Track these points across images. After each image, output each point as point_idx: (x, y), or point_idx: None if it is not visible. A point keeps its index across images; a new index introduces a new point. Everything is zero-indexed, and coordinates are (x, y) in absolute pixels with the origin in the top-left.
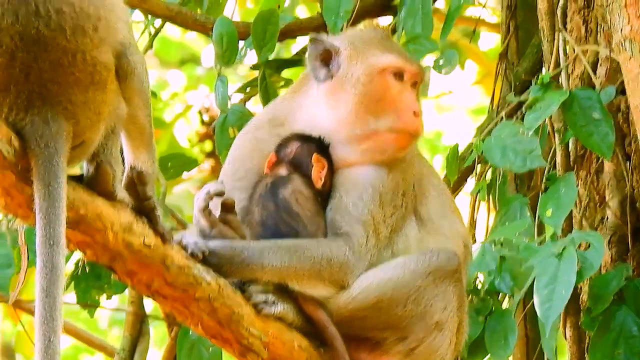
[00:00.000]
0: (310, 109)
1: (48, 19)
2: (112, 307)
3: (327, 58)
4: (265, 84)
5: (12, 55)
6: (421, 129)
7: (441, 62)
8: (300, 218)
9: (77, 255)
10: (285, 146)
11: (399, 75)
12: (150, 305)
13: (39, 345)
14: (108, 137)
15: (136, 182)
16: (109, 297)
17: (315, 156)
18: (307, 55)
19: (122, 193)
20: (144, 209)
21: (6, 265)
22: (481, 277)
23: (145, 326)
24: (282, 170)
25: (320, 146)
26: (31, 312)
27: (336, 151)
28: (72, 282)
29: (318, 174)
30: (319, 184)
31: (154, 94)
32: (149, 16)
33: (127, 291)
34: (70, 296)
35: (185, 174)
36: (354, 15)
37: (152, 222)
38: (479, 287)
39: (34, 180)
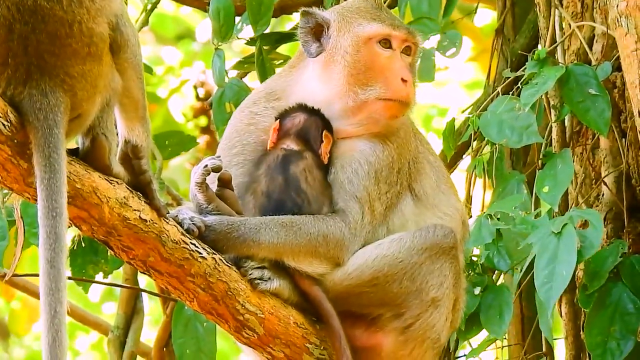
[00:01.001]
0: (306, 83)
1: None
2: (108, 283)
3: (318, 32)
4: (262, 59)
5: (10, 28)
6: (411, 95)
7: (445, 43)
8: (306, 196)
9: (73, 231)
10: (290, 116)
11: (386, 42)
12: (144, 281)
13: (45, 316)
14: (103, 110)
15: (131, 156)
16: (105, 275)
17: (325, 132)
18: (298, 29)
19: (118, 167)
20: (139, 184)
21: (1, 238)
22: (477, 251)
23: (140, 303)
24: (291, 144)
25: (324, 120)
26: (24, 289)
27: (334, 126)
28: (69, 259)
29: (326, 149)
30: (325, 159)
31: (149, 69)
32: None
33: (121, 268)
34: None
35: None
36: None
37: (148, 196)
38: (476, 261)
39: (33, 153)
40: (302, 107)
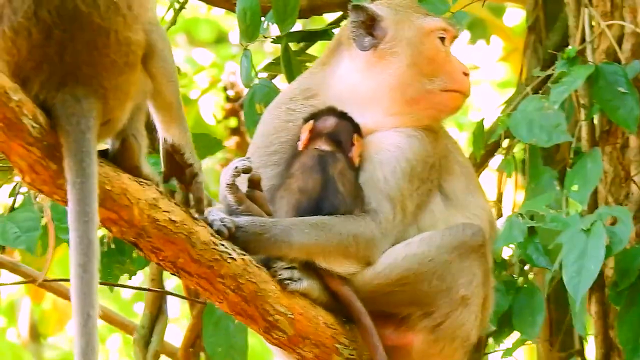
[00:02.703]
0: (346, 79)
1: None
2: (134, 287)
3: (370, 26)
4: (289, 58)
5: (49, 33)
6: (470, 86)
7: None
8: (342, 197)
9: (102, 232)
10: (322, 118)
11: (442, 37)
12: (171, 282)
13: (78, 320)
14: (134, 112)
15: (171, 151)
16: (130, 277)
17: (356, 136)
18: (349, 23)
19: (147, 169)
20: (186, 177)
21: (33, 228)
22: (508, 251)
23: (164, 304)
24: (324, 145)
25: (354, 123)
26: (54, 291)
27: (375, 120)
28: None
29: (357, 153)
30: (357, 162)
31: (178, 70)
32: None
33: (147, 268)
34: None
35: None
36: None
37: (192, 189)
38: (507, 260)
39: (64, 157)
40: (332, 110)
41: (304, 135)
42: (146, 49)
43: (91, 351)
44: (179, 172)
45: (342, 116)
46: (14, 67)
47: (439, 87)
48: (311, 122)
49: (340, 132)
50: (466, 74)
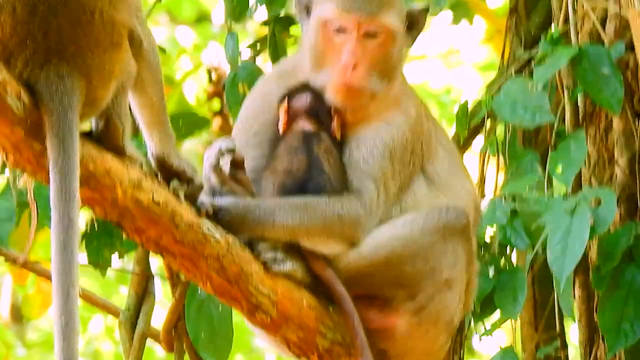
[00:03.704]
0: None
1: None
2: (119, 267)
3: (307, 7)
4: (275, 41)
5: (33, 8)
6: (354, 80)
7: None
8: (328, 177)
9: (87, 214)
10: (298, 96)
11: (340, 27)
12: (157, 263)
13: (58, 298)
14: (118, 92)
15: (159, 169)
16: (121, 256)
17: (334, 109)
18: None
19: (131, 149)
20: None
21: (7, 219)
22: (491, 231)
23: (151, 285)
24: (306, 124)
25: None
26: (37, 272)
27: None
28: (84, 241)
29: (338, 127)
30: (338, 135)
31: (162, 50)
32: None
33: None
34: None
35: None
36: None
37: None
38: (489, 241)
39: (47, 135)
40: (305, 86)
41: (282, 116)
42: (135, 42)
43: (71, 330)
44: (174, 174)
45: (313, 90)
46: None
47: (324, 82)
48: (285, 101)
49: (318, 107)
50: (347, 67)
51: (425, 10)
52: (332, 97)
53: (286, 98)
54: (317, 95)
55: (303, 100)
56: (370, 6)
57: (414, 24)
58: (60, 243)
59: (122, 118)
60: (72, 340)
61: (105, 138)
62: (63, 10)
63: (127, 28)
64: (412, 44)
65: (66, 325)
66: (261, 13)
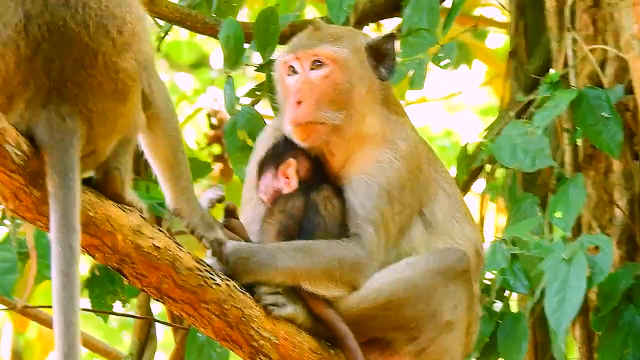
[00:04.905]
0: None
1: (75, 12)
2: (122, 313)
3: None
4: (271, 85)
5: (37, 47)
6: (302, 114)
7: (441, 55)
8: (324, 220)
9: (89, 261)
10: (283, 155)
11: (291, 68)
12: (158, 309)
13: (60, 327)
14: (121, 145)
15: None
16: (124, 304)
17: (282, 166)
18: None
19: (130, 195)
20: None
21: (10, 271)
22: (490, 275)
23: (153, 330)
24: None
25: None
26: (37, 319)
27: None
28: (86, 289)
29: (294, 175)
30: (295, 185)
31: None
32: (159, 20)
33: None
34: (83, 302)
35: None
36: (363, 16)
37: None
38: (491, 285)
39: (47, 173)
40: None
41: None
42: (147, 95)
43: (73, 356)
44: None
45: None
46: (2, 83)
47: (287, 126)
48: (292, 161)
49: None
50: (295, 104)
51: (388, 37)
52: (294, 136)
53: (292, 159)
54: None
55: (300, 156)
56: (311, 41)
57: (380, 53)
58: (62, 271)
59: (122, 171)
60: None
61: (103, 188)
62: (66, 49)
63: (134, 80)
64: (389, 73)
65: (69, 351)
66: (258, 59)
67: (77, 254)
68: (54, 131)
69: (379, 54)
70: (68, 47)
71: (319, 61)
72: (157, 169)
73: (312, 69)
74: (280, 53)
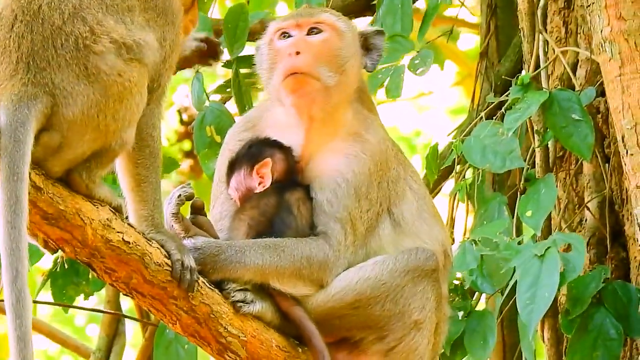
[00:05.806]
0: (273, 109)
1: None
2: (89, 308)
3: None
4: (238, 82)
5: (11, 27)
6: (302, 63)
7: (417, 61)
8: (295, 220)
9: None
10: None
11: (284, 34)
12: (126, 304)
13: (7, 277)
14: (97, 155)
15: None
16: (86, 297)
17: (258, 165)
18: None
19: (102, 190)
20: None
21: None
22: (460, 275)
23: (122, 326)
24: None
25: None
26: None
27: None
28: (49, 280)
29: (269, 174)
30: (268, 183)
31: None
32: None
33: (103, 290)
34: (46, 296)
35: None
36: None
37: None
38: (459, 285)
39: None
40: (268, 141)
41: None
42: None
43: (21, 307)
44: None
45: (273, 144)
46: None
47: (277, 81)
48: (268, 160)
49: (289, 161)
50: (291, 55)
51: (378, 32)
52: (283, 89)
53: (269, 158)
54: (283, 149)
55: (275, 157)
56: (312, 11)
57: (369, 44)
58: (8, 222)
59: (86, 177)
60: (24, 317)
61: (69, 184)
62: (38, 28)
63: (118, 75)
64: (373, 66)
65: (17, 302)
66: (227, 56)
67: (23, 203)
68: (14, 95)
69: (368, 45)
70: (40, 25)
71: (316, 28)
72: (126, 191)
73: (308, 34)
74: (273, 22)
